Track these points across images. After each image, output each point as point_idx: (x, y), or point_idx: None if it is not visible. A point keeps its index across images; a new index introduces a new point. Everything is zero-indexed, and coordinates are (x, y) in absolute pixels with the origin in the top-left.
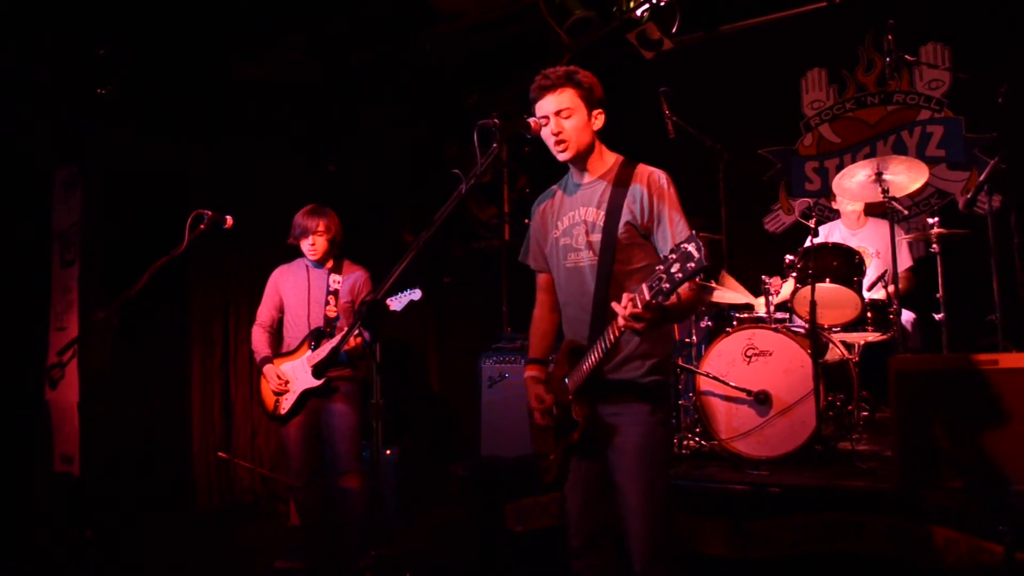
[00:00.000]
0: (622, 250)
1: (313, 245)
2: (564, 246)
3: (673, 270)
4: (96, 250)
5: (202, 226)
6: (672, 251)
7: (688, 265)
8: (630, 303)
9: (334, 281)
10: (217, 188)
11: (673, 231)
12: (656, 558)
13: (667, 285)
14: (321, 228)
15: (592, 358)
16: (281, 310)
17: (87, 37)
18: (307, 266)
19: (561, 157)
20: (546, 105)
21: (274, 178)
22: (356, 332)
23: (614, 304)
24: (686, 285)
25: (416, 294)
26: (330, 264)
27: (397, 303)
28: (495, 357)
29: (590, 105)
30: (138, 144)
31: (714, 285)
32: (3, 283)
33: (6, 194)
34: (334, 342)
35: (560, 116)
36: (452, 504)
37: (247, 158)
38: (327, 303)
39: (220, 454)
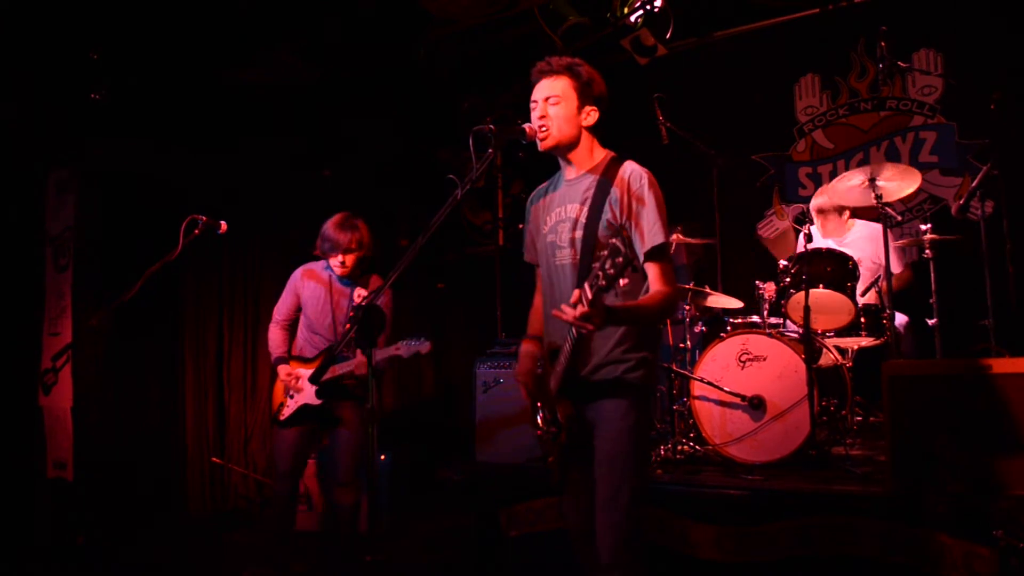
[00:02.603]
0: (601, 249)
1: (343, 263)
2: (551, 243)
3: (607, 266)
4: (90, 255)
5: (196, 231)
6: (603, 247)
7: (616, 260)
8: (579, 303)
9: (358, 295)
10: (212, 192)
11: (644, 233)
12: (622, 553)
13: (603, 282)
14: (353, 244)
15: (563, 358)
16: (298, 311)
17: (82, 40)
18: (330, 275)
19: (540, 145)
20: (539, 90)
21: (269, 182)
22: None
23: (563, 306)
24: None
25: (425, 347)
26: (355, 277)
27: (405, 349)
28: (489, 362)
29: (583, 99)
30: (132, 147)
31: (708, 291)
32: None
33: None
34: (344, 368)
35: (548, 102)
36: (446, 509)
37: (242, 162)
38: (348, 320)
39: (214, 459)
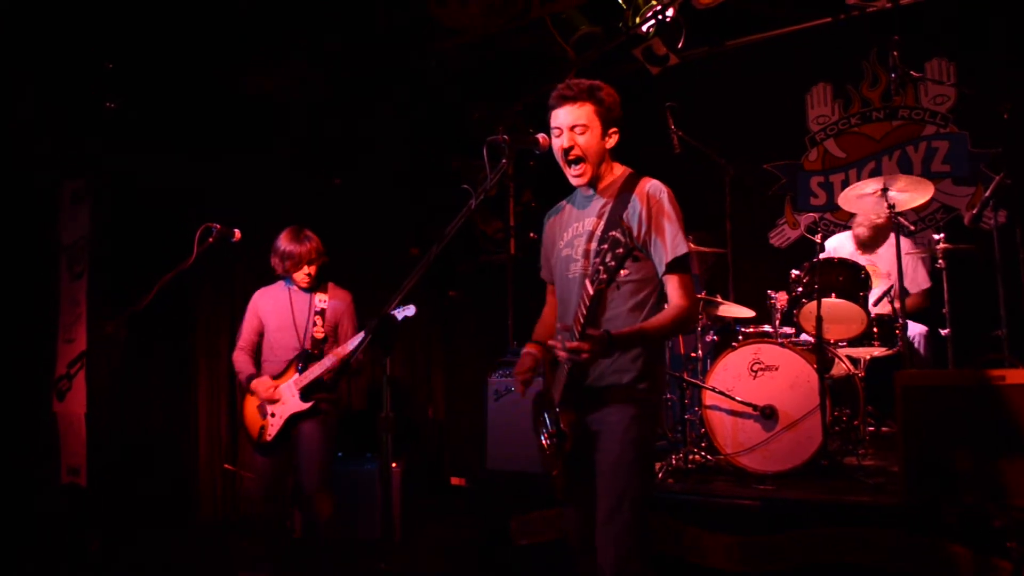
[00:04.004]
0: (602, 243)
1: (309, 275)
2: (565, 256)
3: (607, 259)
4: (104, 263)
5: (210, 239)
6: (603, 241)
7: (617, 251)
8: (566, 335)
9: (320, 301)
10: (224, 200)
11: (667, 245)
12: (625, 566)
13: (604, 275)
14: (313, 255)
15: (566, 367)
16: (261, 334)
17: (95, 50)
18: (288, 288)
19: (577, 183)
20: (562, 116)
21: (281, 191)
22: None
23: (551, 341)
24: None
25: (410, 310)
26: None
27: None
28: (501, 371)
29: (606, 124)
30: (145, 157)
31: (719, 300)
32: (12, 295)
33: (15, 207)
34: (324, 364)
35: (575, 132)
36: (458, 517)
37: (254, 171)
38: (314, 324)
39: (226, 466)
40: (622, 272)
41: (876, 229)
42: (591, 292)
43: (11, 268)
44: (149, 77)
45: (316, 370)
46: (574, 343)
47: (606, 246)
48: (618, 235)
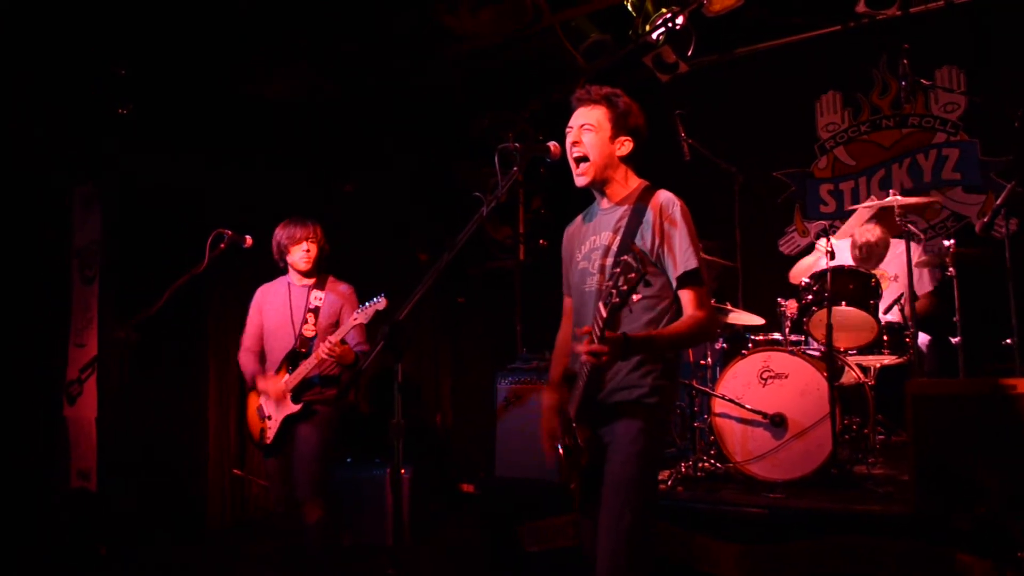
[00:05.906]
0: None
1: (308, 251)
2: (582, 270)
3: (619, 283)
4: (116, 267)
5: (222, 245)
6: (615, 264)
7: (629, 276)
8: (586, 337)
9: (315, 298)
10: (235, 206)
11: (677, 259)
12: (624, 574)
13: (616, 299)
14: (311, 235)
15: (581, 383)
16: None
17: (106, 56)
18: (289, 283)
19: (578, 182)
20: (575, 117)
21: (290, 196)
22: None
23: (573, 343)
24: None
25: (381, 304)
26: (313, 281)
27: (364, 316)
28: (511, 377)
29: (618, 129)
30: (156, 162)
31: (729, 308)
32: (24, 300)
33: (27, 211)
34: (311, 363)
35: (582, 129)
36: (466, 523)
37: (264, 176)
38: (305, 321)
39: (235, 471)
40: (634, 297)
41: (868, 247)
42: (604, 315)
43: (24, 272)
44: (157, 81)
45: (303, 370)
46: (594, 346)
47: (619, 270)
48: (630, 260)
